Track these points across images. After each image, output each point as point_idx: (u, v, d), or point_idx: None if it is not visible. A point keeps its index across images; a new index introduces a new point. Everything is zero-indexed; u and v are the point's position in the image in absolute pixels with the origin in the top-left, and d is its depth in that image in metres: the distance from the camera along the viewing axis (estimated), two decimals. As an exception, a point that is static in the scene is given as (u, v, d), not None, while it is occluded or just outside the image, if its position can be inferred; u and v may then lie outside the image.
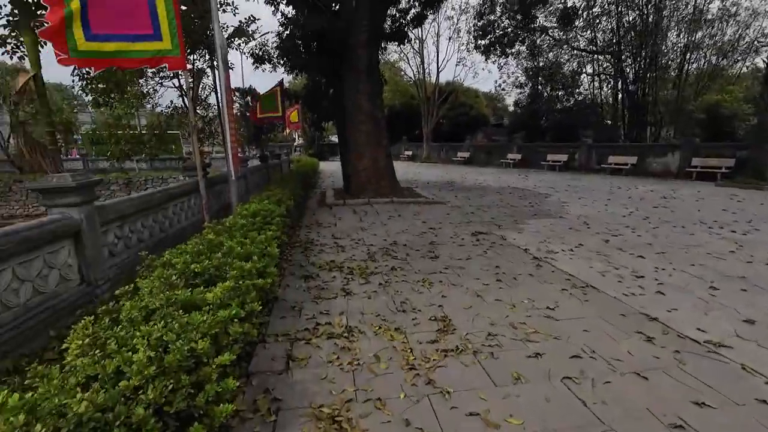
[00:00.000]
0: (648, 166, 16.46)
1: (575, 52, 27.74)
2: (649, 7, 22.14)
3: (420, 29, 27.24)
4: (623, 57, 24.20)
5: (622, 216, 7.92)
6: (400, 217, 8.13)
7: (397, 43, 12.81)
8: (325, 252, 5.52)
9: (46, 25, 3.27)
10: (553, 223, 7.34)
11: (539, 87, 31.15)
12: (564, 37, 26.81)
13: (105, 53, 3.54)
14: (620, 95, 25.99)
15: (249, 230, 4.04)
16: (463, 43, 31.52)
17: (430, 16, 13.45)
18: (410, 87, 35.08)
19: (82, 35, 3.38)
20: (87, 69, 6.11)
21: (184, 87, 10.81)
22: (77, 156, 28.89)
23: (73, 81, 7.94)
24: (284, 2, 11.16)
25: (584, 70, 28.97)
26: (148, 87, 9.21)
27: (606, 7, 24.29)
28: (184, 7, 7.44)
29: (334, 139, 45.64)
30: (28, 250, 2.97)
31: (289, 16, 10.96)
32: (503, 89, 35.95)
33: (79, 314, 3.36)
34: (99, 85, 8.06)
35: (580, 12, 23.17)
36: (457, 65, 33.36)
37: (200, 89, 12.49)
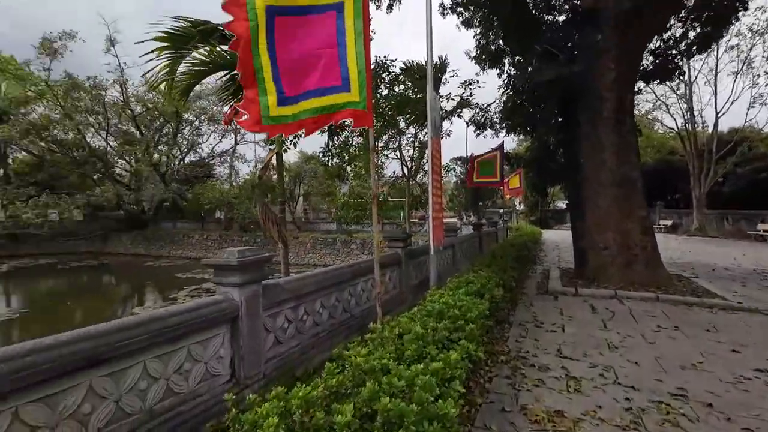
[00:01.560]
0: None
1: None
2: None
3: (688, 68, 21.50)
4: None
5: None
6: (677, 330, 5.02)
7: (658, 81, 9.68)
8: (545, 385, 3.48)
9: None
10: None
11: None
12: None
13: (295, 115, 3.23)
14: None
15: (426, 344, 2.74)
16: (757, 75, 22.42)
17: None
18: (668, 139, 27.83)
19: (275, 101, 3.15)
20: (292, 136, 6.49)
21: (405, 157, 11.22)
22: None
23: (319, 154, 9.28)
24: (509, 63, 10.37)
25: None
26: (377, 159, 9.79)
27: None
28: (408, 83, 7.48)
29: (560, 204, 40.91)
30: (172, 340, 2.54)
31: (512, 73, 9.93)
32: None
33: (210, 427, 2.72)
34: (335, 161, 9.05)
35: None
36: (749, 108, 23.53)
37: (423, 159, 12.99)
